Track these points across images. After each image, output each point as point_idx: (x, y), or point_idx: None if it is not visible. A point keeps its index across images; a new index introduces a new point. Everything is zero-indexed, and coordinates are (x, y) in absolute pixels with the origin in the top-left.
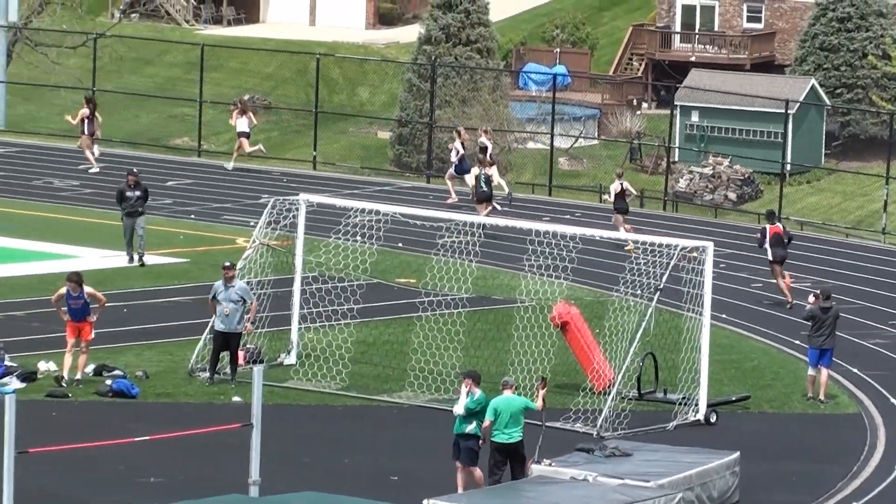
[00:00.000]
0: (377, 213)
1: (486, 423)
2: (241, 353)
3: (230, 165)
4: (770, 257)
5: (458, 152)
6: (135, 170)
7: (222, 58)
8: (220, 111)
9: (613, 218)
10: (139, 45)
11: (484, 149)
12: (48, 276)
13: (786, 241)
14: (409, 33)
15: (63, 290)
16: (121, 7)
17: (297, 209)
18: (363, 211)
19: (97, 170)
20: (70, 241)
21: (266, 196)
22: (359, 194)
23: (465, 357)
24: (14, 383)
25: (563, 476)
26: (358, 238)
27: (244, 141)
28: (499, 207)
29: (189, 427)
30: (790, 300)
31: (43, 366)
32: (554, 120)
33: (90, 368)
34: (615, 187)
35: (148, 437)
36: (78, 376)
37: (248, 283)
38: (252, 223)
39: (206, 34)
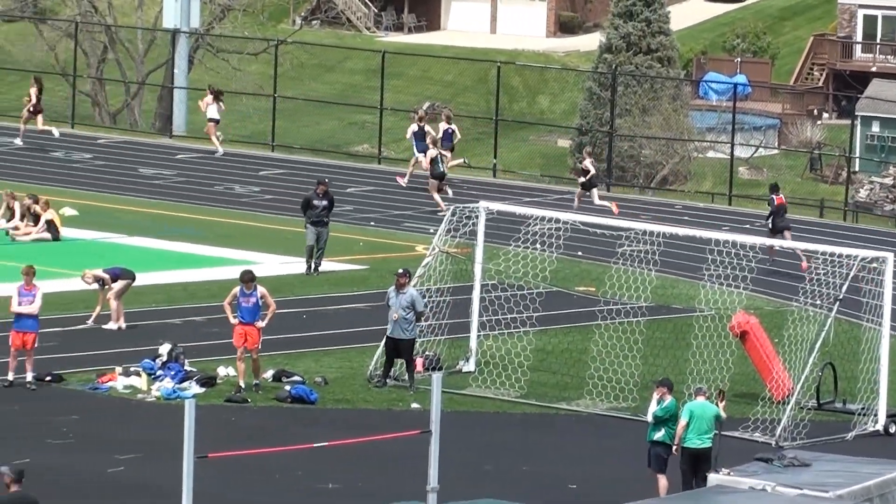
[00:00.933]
0: (557, 221)
1: (682, 422)
2: (419, 360)
3: (220, 152)
4: (772, 227)
5: (412, 133)
6: (326, 179)
7: (403, 65)
8: (401, 118)
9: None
10: (320, 52)
11: (450, 133)
12: (227, 283)
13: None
14: (590, 42)
15: (236, 290)
16: (302, 14)
17: (476, 217)
18: (543, 219)
19: (222, 153)
20: (250, 247)
21: (446, 204)
22: (539, 202)
23: (644, 366)
24: (194, 388)
25: (741, 486)
26: (537, 246)
27: (212, 126)
28: (450, 192)
29: (367, 433)
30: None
31: (222, 371)
32: (734, 129)
33: (269, 374)
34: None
35: (326, 443)
36: (256, 381)
37: (427, 290)
38: (432, 231)
39: (387, 41)
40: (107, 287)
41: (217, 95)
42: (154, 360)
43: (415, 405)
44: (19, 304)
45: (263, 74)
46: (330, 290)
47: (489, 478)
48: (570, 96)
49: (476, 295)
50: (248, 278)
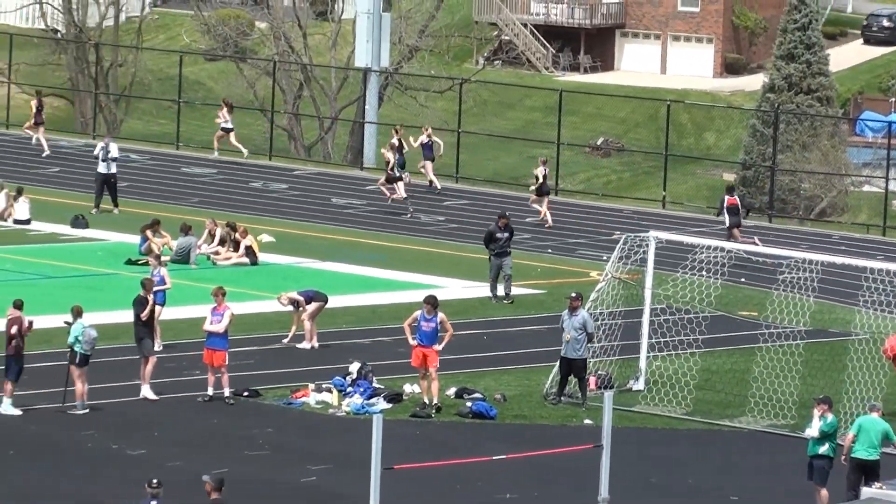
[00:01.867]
0: (722, 249)
1: (849, 436)
2: (592, 379)
3: (245, 153)
4: (727, 224)
5: (393, 147)
6: (506, 213)
7: (578, 103)
8: (576, 153)
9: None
10: (501, 91)
11: (430, 145)
12: (413, 305)
13: (743, 211)
14: (754, 82)
15: (417, 313)
16: (485, 55)
17: (647, 245)
18: (709, 248)
19: (246, 154)
20: (434, 272)
21: (618, 233)
22: (704, 232)
23: (803, 385)
24: (381, 404)
25: (892, 499)
26: (703, 273)
27: (225, 135)
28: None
29: (543, 447)
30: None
31: (408, 388)
32: (889, 165)
33: (451, 391)
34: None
35: (505, 456)
36: (435, 401)
37: (599, 313)
38: (605, 258)
39: (564, 80)
40: (301, 309)
41: (230, 108)
42: (344, 378)
43: (587, 421)
44: (211, 322)
45: (448, 111)
46: (509, 314)
47: (656, 490)
48: (735, 133)
49: (646, 318)
50: (432, 303)
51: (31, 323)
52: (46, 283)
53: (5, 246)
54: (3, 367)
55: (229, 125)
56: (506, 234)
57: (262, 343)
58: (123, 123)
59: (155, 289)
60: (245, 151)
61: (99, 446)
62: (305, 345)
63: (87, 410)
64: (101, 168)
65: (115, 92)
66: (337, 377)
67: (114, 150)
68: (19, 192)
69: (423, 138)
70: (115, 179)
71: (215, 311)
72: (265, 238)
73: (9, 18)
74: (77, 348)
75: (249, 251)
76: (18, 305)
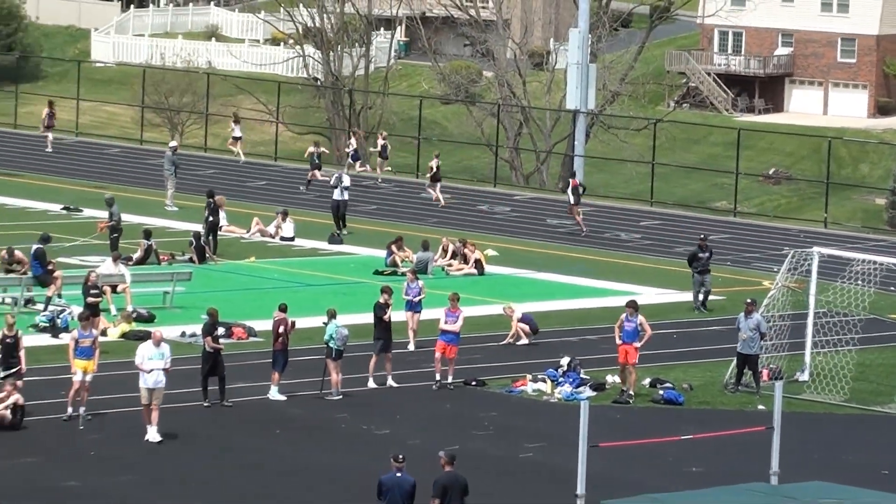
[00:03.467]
0: (875, 262)
1: None
2: (765, 371)
3: (242, 159)
4: (571, 201)
5: (352, 146)
6: (704, 235)
7: (753, 139)
8: (752, 181)
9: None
10: (688, 129)
11: (385, 147)
12: (616, 309)
13: (581, 190)
14: None
15: (623, 316)
16: (675, 98)
17: (811, 259)
18: (863, 261)
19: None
20: (633, 282)
21: (787, 248)
22: (860, 248)
23: None
24: (587, 392)
25: None
26: (859, 282)
27: (237, 142)
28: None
29: (723, 429)
30: (583, 229)
31: (610, 379)
32: None
33: (647, 381)
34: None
35: (691, 436)
36: (630, 391)
37: (771, 316)
38: (775, 269)
39: (742, 120)
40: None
41: (238, 120)
42: (556, 370)
43: (760, 407)
44: (445, 322)
45: (644, 146)
46: (695, 316)
47: (817, 465)
48: (886, 164)
49: (810, 320)
50: (632, 306)
51: (293, 323)
52: (307, 290)
53: (274, 259)
54: (271, 361)
55: (238, 134)
56: (706, 255)
57: (488, 341)
58: (371, 157)
59: (415, 298)
60: (242, 158)
61: (351, 427)
62: (524, 341)
63: (341, 397)
64: (336, 195)
65: (366, 130)
66: (550, 369)
67: (346, 181)
68: (285, 215)
69: (381, 141)
70: (345, 206)
71: (450, 312)
72: (491, 252)
73: (277, 69)
74: (332, 344)
75: (478, 264)
76: (283, 308)
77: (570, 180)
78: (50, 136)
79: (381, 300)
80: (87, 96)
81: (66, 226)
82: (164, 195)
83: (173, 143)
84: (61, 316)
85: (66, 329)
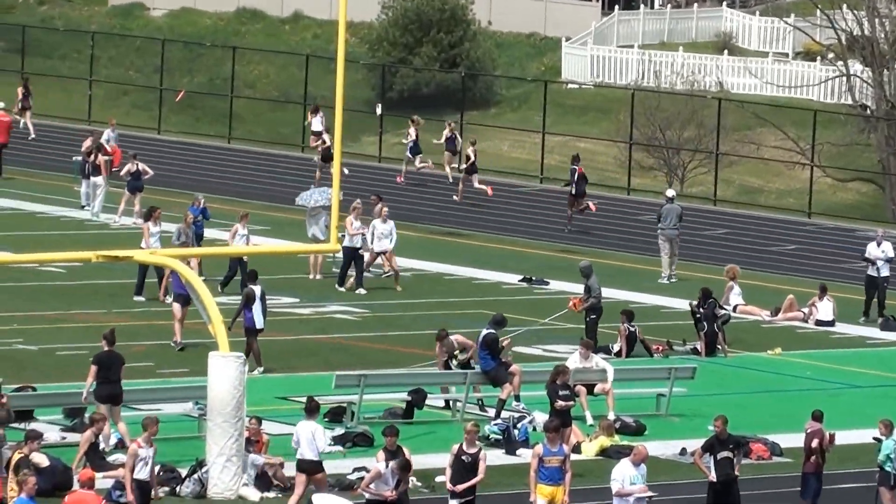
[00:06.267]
0: None
1: None
2: None
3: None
4: (573, 192)
5: (410, 136)
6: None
7: None
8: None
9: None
10: None
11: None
12: None
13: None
14: None
15: None
16: None
17: None
18: None
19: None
20: None
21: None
22: None
23: None
24: None
25: None
26: None
27: (315, 139)
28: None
29: None
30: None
31: None
32: None
33: None
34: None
35: None
36: None
37: None
38: None
39: None
40: None
41: (317, 110)
42: None
43: None
44: None
45: None
46: None
47: None
48: None
49: None
50: None
51: (832, 436)
52: (852, 392)
53: (807, 350)
54: (799, 487)
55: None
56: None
57: None
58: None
59: None
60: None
61: None
62: None
63: None
64: (871, 271)
65: None
66: None
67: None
68: (823, 291)
69: (447, 132)
70: (885, 284)
71: None
72: None
73: (812, 92)
74: (887, 467)
75: None
76: (818, 417)
77: (575, 167)
78: (23, 120)
79: None
80: (555, 129)
81: (525, 303)
82: (658, 263)
83: (671, 192)
84: (519, 425)
85: (525, 443)
